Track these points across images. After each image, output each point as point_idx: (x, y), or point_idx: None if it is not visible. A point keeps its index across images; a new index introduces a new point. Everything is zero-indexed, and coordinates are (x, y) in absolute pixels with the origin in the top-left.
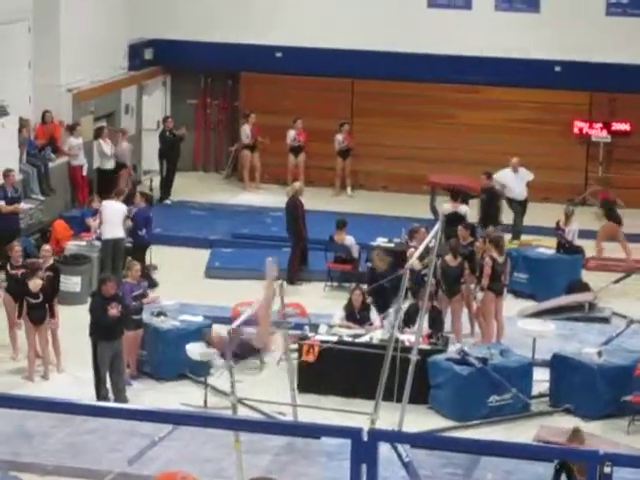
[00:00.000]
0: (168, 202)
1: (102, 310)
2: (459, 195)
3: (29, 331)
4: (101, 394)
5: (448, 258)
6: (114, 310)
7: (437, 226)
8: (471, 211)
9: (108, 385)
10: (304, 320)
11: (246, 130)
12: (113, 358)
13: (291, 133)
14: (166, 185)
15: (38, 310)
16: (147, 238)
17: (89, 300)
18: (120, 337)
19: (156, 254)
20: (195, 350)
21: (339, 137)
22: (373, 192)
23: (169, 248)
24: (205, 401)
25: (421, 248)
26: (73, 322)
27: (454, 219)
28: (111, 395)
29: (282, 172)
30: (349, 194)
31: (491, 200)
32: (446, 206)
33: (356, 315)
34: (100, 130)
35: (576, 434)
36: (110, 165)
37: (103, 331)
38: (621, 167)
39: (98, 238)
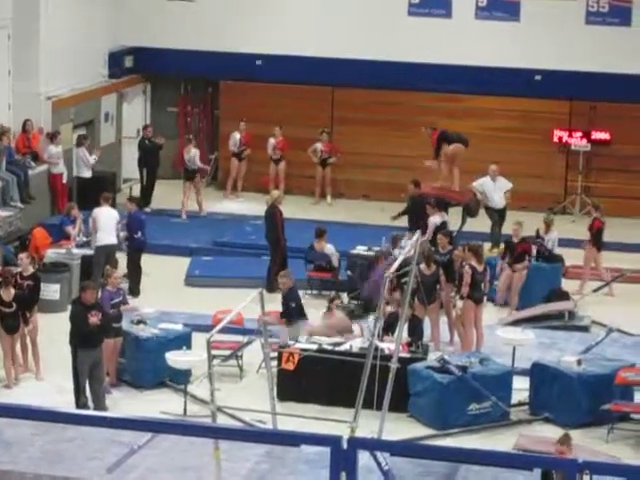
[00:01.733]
0: (148, 210)
1: (82, 318)
2: (444, 205)
3: (4, 340)
4: (80, 402)
5: (422, 267)
6: (94, 318)
7: (418, 235)
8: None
9: (88, 394)
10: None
11: (235, 138)
12: (93, 366)
13: (271, 142)
14: (146, 193)
15: (12, 319)
16: (143, 240)
17: (69, 308)
18: (100, 345)
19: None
20: (175, 358)
21: (318, 146)
22: (353, 200)
23: (149, 256)
24: (185, 409)
25: (400, 259)
26: (52, 330)
27: (439, 228)
28: (90, 403)
29: (262, 180)
30: (329, 202)
31: (417, 208)
32: (434, 218)
33: None
34: (82, 138)
35: (566, 438)
36: (88, 174)
37: (83, 339)
38: (600, 176)
39: (78, 245)
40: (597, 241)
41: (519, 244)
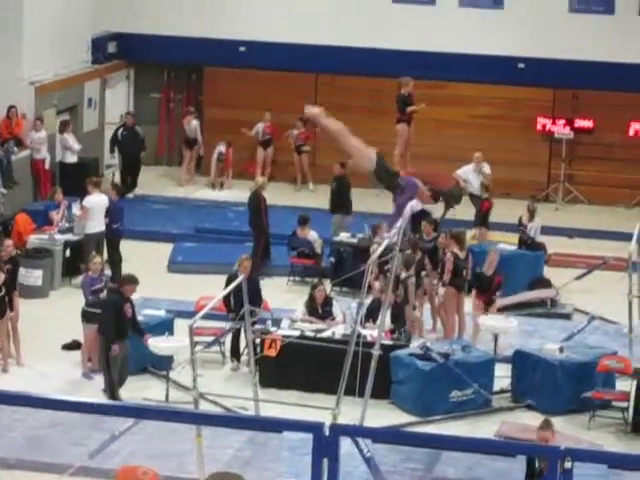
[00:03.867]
0: (131, 196)
1: (121, 309)
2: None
3: None
4: (116, 395)
5: (409, 254)
6: (129, 311)
7: (400, 222)
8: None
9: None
10: (267, 315)
11: (258, 127)
12: (122, 359)
13: (259, 126)
14: (126, 180)
15: (1, 304)
16: (120, 230)
17: (51, 294)
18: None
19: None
20: (158, 345)
21: (294, 132)
22: None
23: (132, 242)
24: (167, 396)
25: (384, 245)
26: (34, 315)
27: (419, 215)
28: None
29: (244, 167)
30: (311, 189)
31: (341, 188)
32: (414, 202)
33: (318, 310)
34: (65, 124)
35: (547, 424)
36: (73, 159)
37: (118, 330)
38: (584, 164)
39: (61, 231)
40: (485, 221)
41: (494, 275)
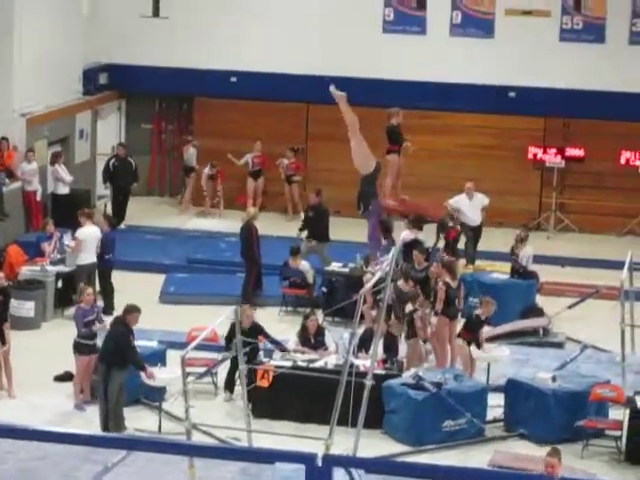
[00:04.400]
0: (122, 227)
1: (127, 339)
2: (420, 222)
3: None
4: (110, 425)
5: (400, 283)
6: (133, 342)
7: (393, 251)
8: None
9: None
10: (259, 345)
11: (247, 158)
12: (120, 387)
13: (248, 157)
14: (118, 211)
15: None
16: (112, 261)
17: (42, 325)
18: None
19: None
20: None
21: (284, 161)
22: None
23: (124, 273)
24: (159, 426)
25: (377, 276)
26: (26, 347)
27: (411, 244)
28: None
29: (236, 198)
30: (302, 219)
31: (318, 217)
32: (406, 233)
33: (311, 340)
34: (56, 155)
35: (556, 452)
36: (65, 190)
37: (122, 359)
38: (575, 193)
39: (53, 262)
40: (453, 249)
41: (484, 322)
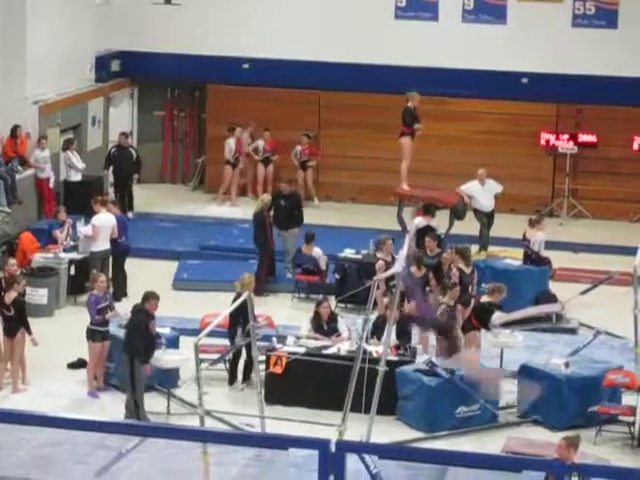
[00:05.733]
0: (130, 216)
1: (146, 326)
2: (432, 208)
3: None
4: (140, 414)
5: (413, 269)
6: (154, 328)
7: (408, 238)
8: (437, 223)
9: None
10: (272, 332)
11: (231, 144)
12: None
13: (259, 143)
14: (122, 201)
15: (10, 323)
16: (127, 244)
17: (55, 312)
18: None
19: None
20: (160, 358)
21: (298, 148)
22: (341, 203)
23: (137, 260)
24: (168, 409)
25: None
26: (40, 334)
27: (424, 231)
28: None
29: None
30: (316, 204)
31: (295, 204)
32: (418, 219)
33: (324, 327)
34: (68, 142)
35: (576, 439)
36: (77, 177)
37: (145, 348)
38: (588, 178)
39: (66, 250)
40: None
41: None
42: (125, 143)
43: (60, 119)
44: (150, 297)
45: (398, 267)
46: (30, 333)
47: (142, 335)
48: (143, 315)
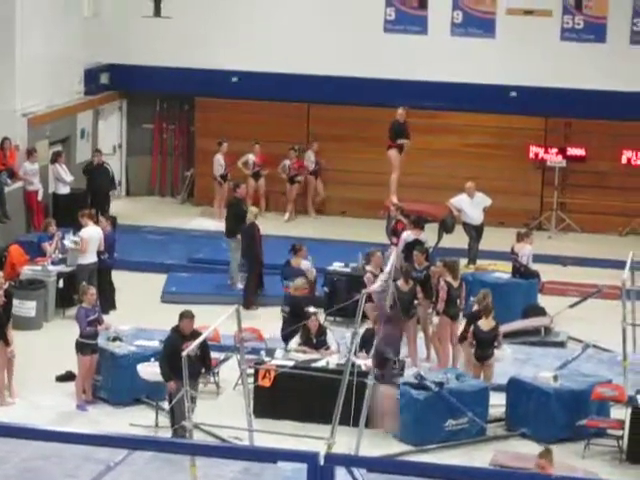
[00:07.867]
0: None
1: (177, 347)
2: (421, 222)
3: None
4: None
5: (400, 283)
6: (187, 348)
7: (396, 251)
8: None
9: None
10: (260, 345)
11: (220, 160)
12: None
13: (249, 157)
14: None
15: None
16: (110, 262)
17: (44, 325)
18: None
19: (112, 278)
20: (146, 370)
21: (287, 162)
22: (331, 217)
23: (125, 273)
24: (156, 421)
25: (387, 271)
26: (28, 347)
27: (413, 244)
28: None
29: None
30: (314, 217)
31: (236, 213)
32: (407, 233)
33: (312, 340)
34: (57, 155)
35: (547, 453)
36: (66, 190)
37: (176, 368)
38: (576, 192)
39: (54, 262)
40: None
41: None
42: (100, 160)
43: (49, 132)
44: (182, 316)
45: (376, 286)
46: (8, 345)
47: (167, 356)
48: (173, 335)
